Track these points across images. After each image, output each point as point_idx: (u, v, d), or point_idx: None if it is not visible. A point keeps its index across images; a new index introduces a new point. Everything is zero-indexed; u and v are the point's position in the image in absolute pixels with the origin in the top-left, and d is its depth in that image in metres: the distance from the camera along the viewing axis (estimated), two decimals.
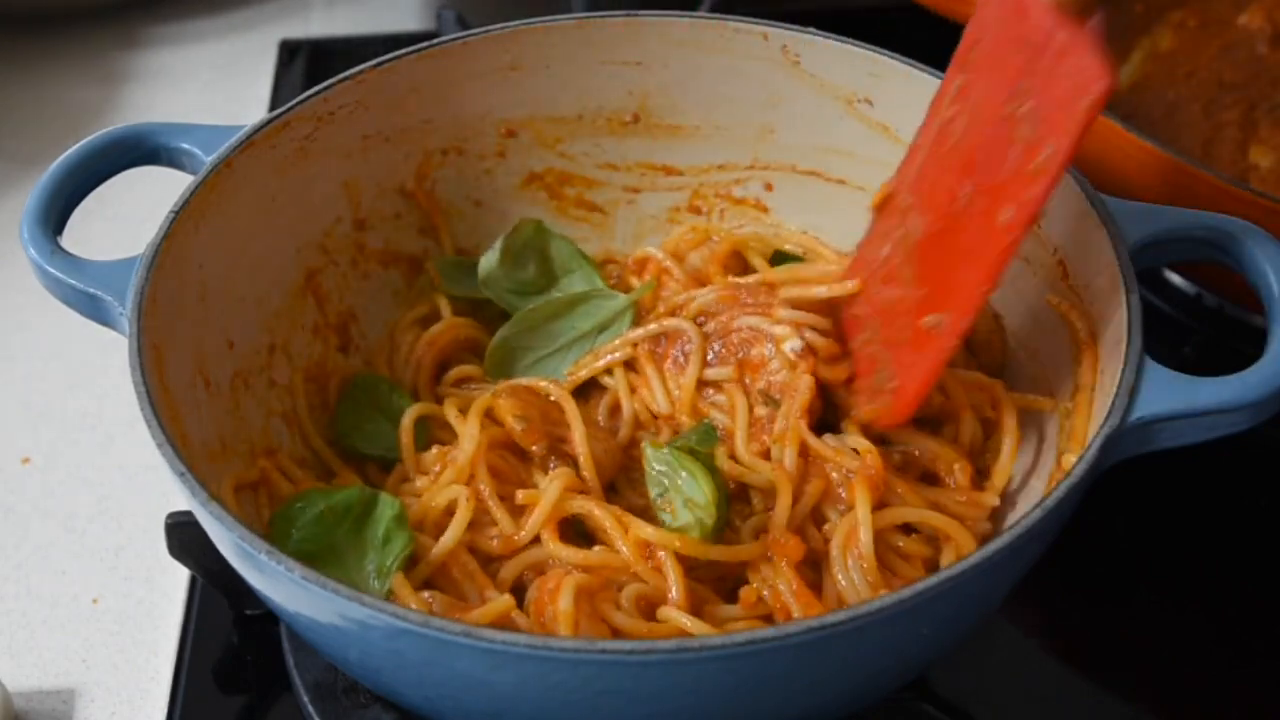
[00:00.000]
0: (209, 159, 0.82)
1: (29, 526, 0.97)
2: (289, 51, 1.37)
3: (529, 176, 0.98)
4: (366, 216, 0.93)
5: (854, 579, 0.75)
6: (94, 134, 0.83)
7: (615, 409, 0.87)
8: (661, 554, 0.74)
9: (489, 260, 0.92)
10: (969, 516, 0.79)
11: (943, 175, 0.76)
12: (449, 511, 0.78)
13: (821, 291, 0.83)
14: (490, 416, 0.82)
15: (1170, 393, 0.70)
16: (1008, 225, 0.70)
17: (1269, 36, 1.13)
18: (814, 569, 0.77)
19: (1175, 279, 1.08)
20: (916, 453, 0.81)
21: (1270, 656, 0.88)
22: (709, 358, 0.85)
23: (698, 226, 0.97)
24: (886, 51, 0.90)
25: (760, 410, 0.82)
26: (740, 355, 0.85)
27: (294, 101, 0.87)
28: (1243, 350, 0.75)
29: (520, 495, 0.78)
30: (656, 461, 0.78)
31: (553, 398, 0.84)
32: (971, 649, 0.85)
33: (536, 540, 0.77)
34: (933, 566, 0.78)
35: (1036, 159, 0.67)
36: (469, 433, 0.81)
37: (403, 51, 0.91)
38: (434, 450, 0.83)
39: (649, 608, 0.74)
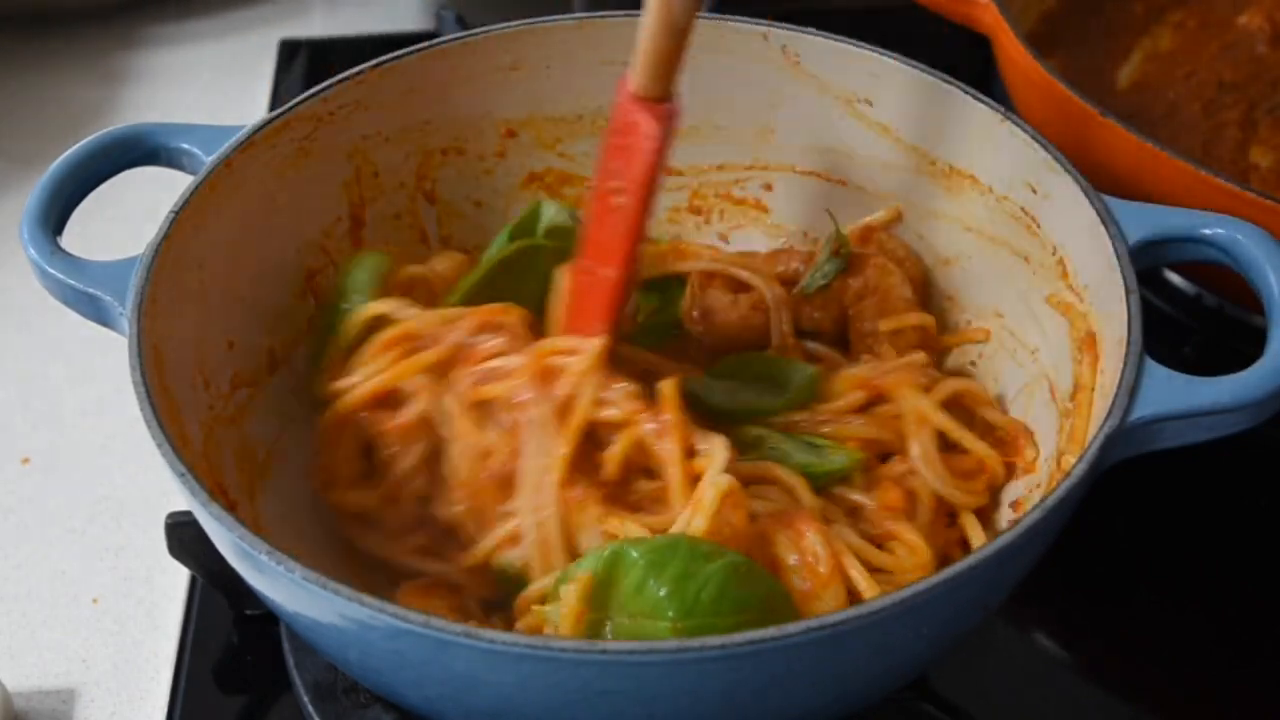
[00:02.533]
0: (209, 159, 0.82)
1: (29, 526, 0.97)
2: (289, 51, 1.36)
3: (529, 176, 0.98)
4: (366, 217, 0.93)
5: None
6: (94, 134, 0.83)
7: None
8: None
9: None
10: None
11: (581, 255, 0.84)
12: None
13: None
14: None
15: (1170, 393, 0.70)
16: (603, 280, 0.81)
17: (1269, 36, 1.13)
18: None
19: (1175, 279, 1.08)
20: None
21: (1270, 656, 0.88)
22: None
23: None
24: (886, 51, 0.90)
25: None
26: None
27: (294, 101, 0.87)
28: (1243, 350, 0.75)
29: None
30: None
31: None
32: (971, 649, 0.85)
33: None
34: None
35: (623, 215, 0.79)
36: None
37: (403, 51, 0.91)
38: None
39: None
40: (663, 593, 0.69)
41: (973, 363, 0.91)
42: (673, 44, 0.75)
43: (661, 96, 0.77)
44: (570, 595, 0.70)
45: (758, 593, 0.70)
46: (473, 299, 0.86)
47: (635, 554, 0.70)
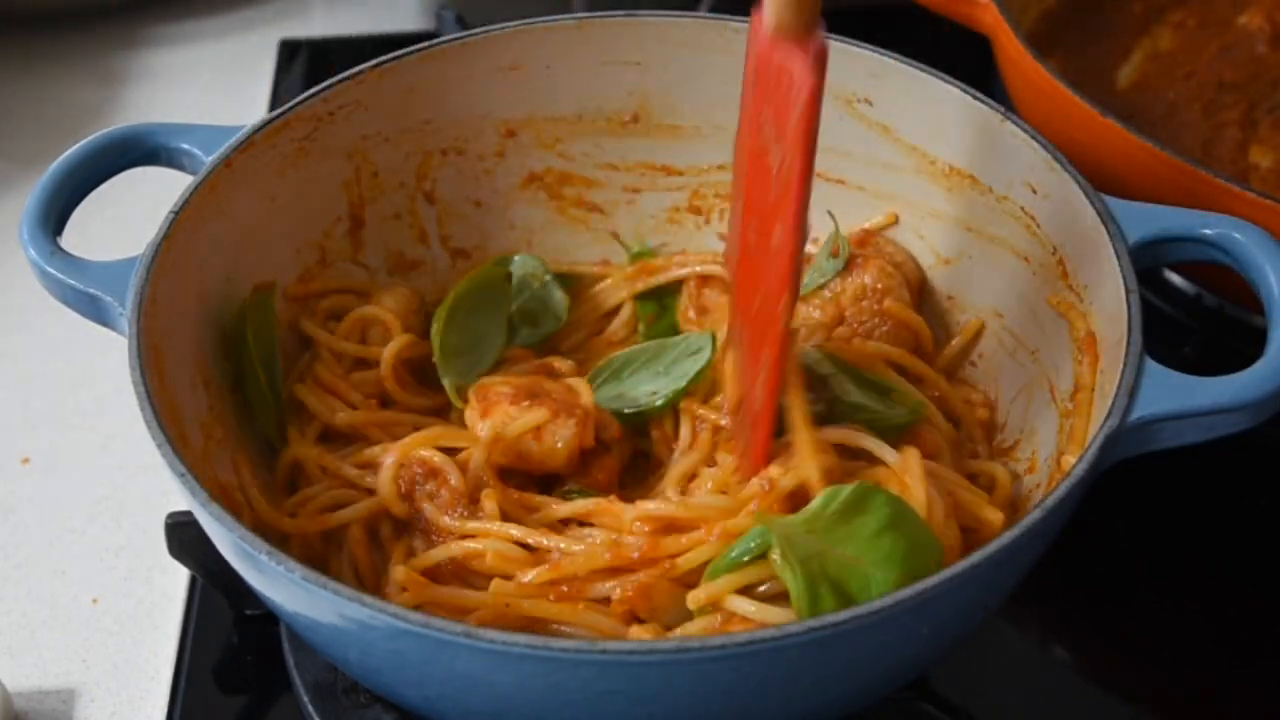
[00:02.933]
0: (209, 159, 0.82)
1: (29, 526, 0.97)
2: (289, 51, 1.36)
3: (529, 176, 0.98)
4: (366, 217, 0.93)
5: None
6: (94, 134, 0.83)
7: None
8: None
9: None
10: None
11: (738, 219, 0.78)
12: None
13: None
14: None
15: (1170, 393, 0.70)
16: (780, 245, 0.72)
17: (1269, 36, 1.13)
18: None
19: (1175, 279, 1.08)
20: None
21: (1270, 656, 0.88)
22: None
23: None
24: (886, 51, 0.90)
25: None
26: None
27: (294, 101, 0.87)
28: (1243, 350, 0.75)
29: None
30: None
31: None
32: (971, 649, 0.85)
33: None
34: None
35: (781, 174, 0.71)
36: None
37: (403, 51, 0.91)
38: None
39: None
40: (900, 547, 0.69)
41: (973, 363, 0.91)
42: None
43: (808, 30, 0.68)
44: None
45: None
46: (443, 335, 0.86)
47: (883, 499, 0.71)
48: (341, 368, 0.87)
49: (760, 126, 0.72)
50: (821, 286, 0.90)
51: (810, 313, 0.90)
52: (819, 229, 0.96)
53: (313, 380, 0.86)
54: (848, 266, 0.90)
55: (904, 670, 0.72)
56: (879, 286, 0.89)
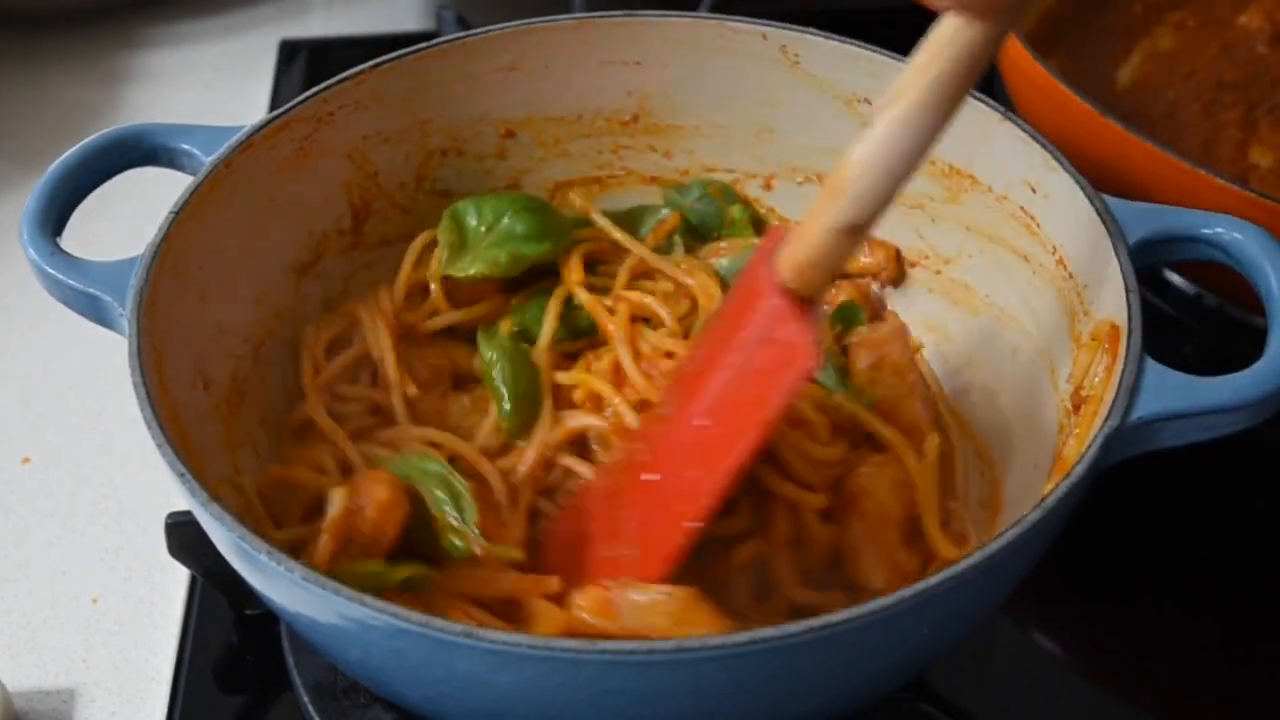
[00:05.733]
0: (209, 159, 0.82)
1: (29, 526, 0.97)
2: (289, 51, 1.36)
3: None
4: (366, 217, 0.93)
5: None
6: (94, 134, 0.83)
7: None
8: None
9: None
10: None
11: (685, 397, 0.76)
12: None
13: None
14: None
15: (1170, 392, 0.70)
16: (717, 472, 0.71)
17: (1269, 36, 1.13)
18: None
19: (1175, 279, 1.08)
20: None
21: (1270, 657, 0.88)
22: None
23: None
24: (886, 51, 0.90)
25: None
26: None
27: (294, 102, 0.87)
28: (1243, 350, 0.75)
29: None
30: None
31: None
32: (971, 649, 0.85)
33: None
34: None
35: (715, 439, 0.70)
36: None
37: (403, 51, 0.90)
38: None
39: None
40: None
41: (972, 363, 0.91)
42: (872, 213, 0.64)
43: (818, 294, 0.68)
44: None
45: None
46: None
47: None
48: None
49: (718, 399, 0.71)
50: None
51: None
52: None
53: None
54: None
55: (904, 670, 0.72)
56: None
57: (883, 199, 0.65)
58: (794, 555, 0.79)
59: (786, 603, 0.78)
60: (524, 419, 0.85)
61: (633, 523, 0.74)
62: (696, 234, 0.97)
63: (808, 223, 0.67)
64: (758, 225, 0.97)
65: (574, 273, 0.91)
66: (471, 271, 0.89)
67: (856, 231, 0.66)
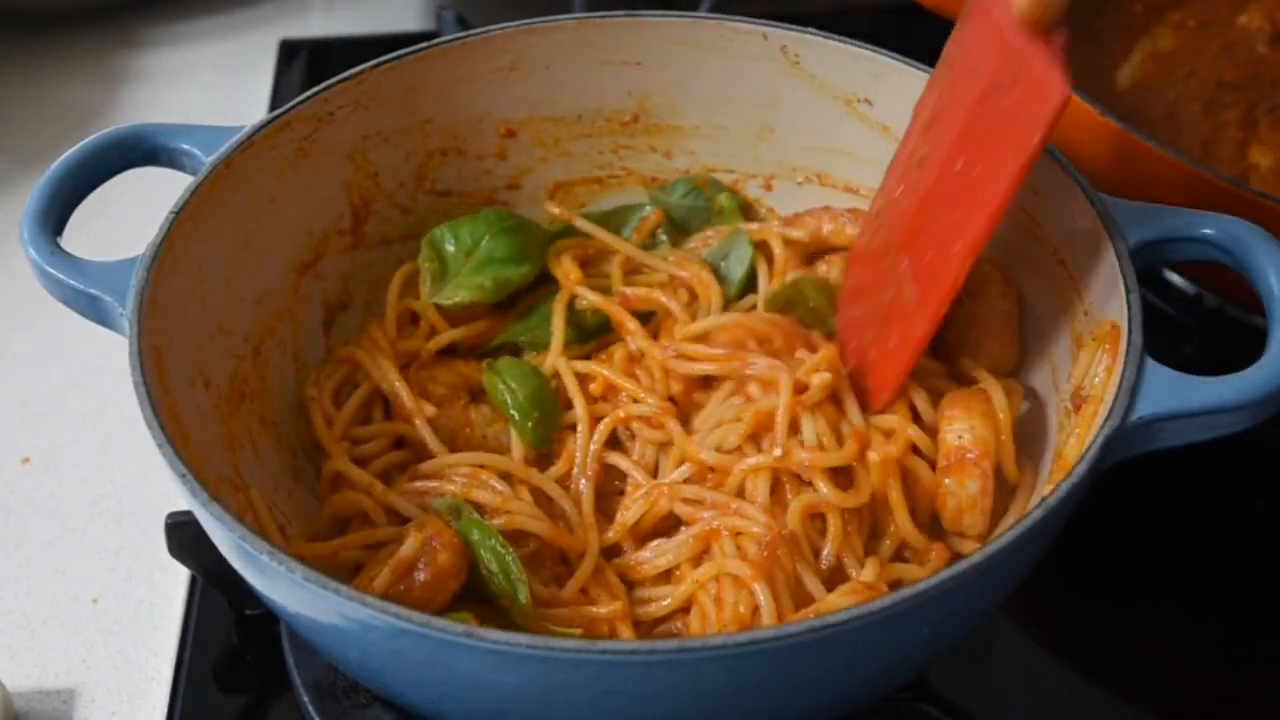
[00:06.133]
0: (209, 159, 0.82)
1: (29, 526, 0.97)
2: (289, 51, 1.36)
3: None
4: (366, 217, 0.93)
5: None
6: (94, 134, 0.83)
7: None
8: None
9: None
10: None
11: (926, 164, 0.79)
12: None
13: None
14: None
15: (1170, 392, 0.70)
16: (981, 198, 0.73)
17: (1269, 36, 1.13)
18: None
19: (1175, 279, 1.08)
20: None
21: (1270, 657, 0.88)
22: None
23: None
24: (886, 51, 0.90)
25: None
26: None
27: (294, 102, 0.87)
28: (1243, 350, 0.75)
29: None
30: None
31: None
32: (971, 649, 0.85)
33: None
34: None
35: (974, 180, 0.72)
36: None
37: (403, 51, 0.91)
38: None
39: None
40: None
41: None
42: None
43: (1058, 22, 0.66)
44: None
45: None
46: None
47: None
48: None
49: (971, 140, 0.72)
50: None
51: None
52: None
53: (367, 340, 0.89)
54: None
55: (904, 670, 0.72)
56: None
57: None
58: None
59: None
60: (544, 433, 0.85)
61: (903, 264, 0.78)
62: (681, 229, 0.97)
63: None
64: (746, 211, 0.97)
65: (571, 274, 0.91)
66: (458, 299, 0.89)
67: None
